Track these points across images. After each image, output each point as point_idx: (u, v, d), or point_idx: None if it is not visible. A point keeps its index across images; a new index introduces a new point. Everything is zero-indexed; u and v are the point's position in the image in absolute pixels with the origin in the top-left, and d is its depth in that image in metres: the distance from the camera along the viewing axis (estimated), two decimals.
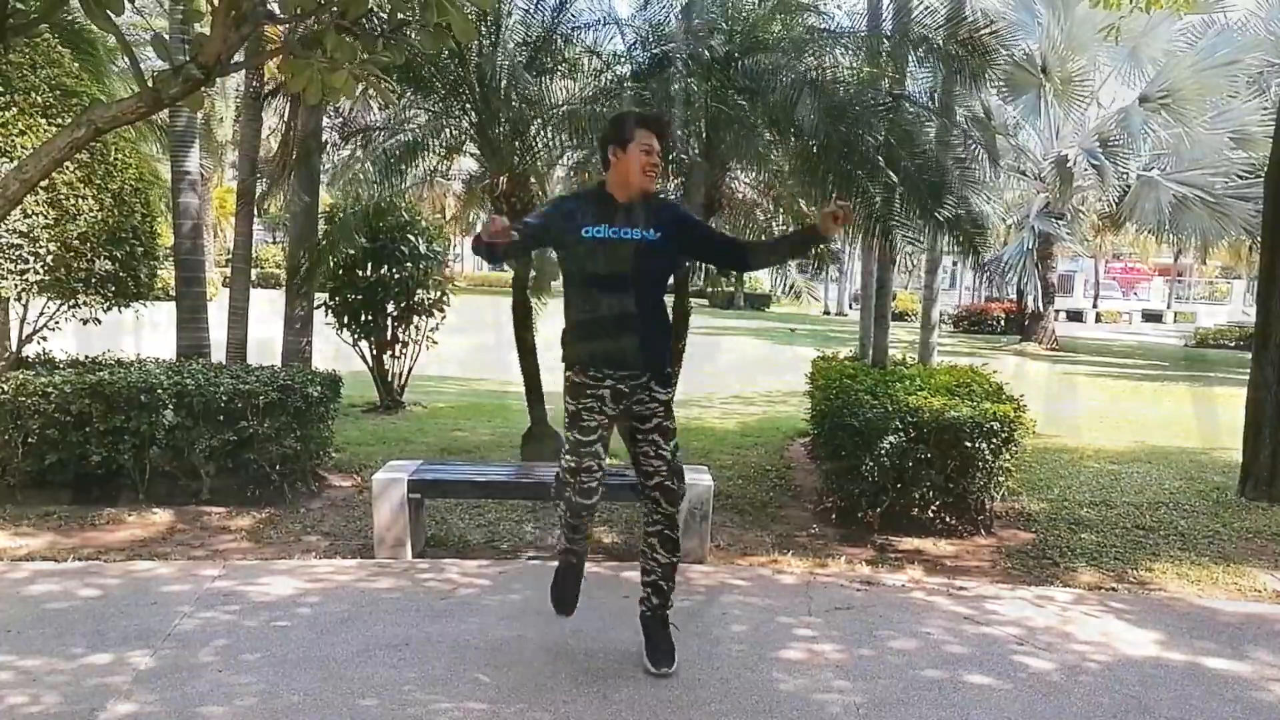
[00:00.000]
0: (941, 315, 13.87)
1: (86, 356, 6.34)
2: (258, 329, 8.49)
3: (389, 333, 9.15)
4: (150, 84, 2.98)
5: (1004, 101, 18.61)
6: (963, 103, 8.86)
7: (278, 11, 3.10)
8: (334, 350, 9.19)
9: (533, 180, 7.01)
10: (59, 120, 5.92)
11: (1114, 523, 5.73)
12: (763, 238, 8.14)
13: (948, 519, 5.32)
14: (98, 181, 6.16)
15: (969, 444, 5.07)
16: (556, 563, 3.65)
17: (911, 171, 6.41)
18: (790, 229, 8.36)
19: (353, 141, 8.55)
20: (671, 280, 6.37)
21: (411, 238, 8.98)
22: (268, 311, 10.45)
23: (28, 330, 6.62)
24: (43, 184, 5.29)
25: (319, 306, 8.90)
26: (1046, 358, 19.52)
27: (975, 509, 5.36)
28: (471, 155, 7.77)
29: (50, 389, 5.17)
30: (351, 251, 8.42)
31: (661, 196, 3.60)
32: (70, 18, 6.86)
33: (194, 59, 2.94)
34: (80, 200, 6.02)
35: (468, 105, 6.75)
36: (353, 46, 2.98)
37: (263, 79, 8.38)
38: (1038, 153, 20.24)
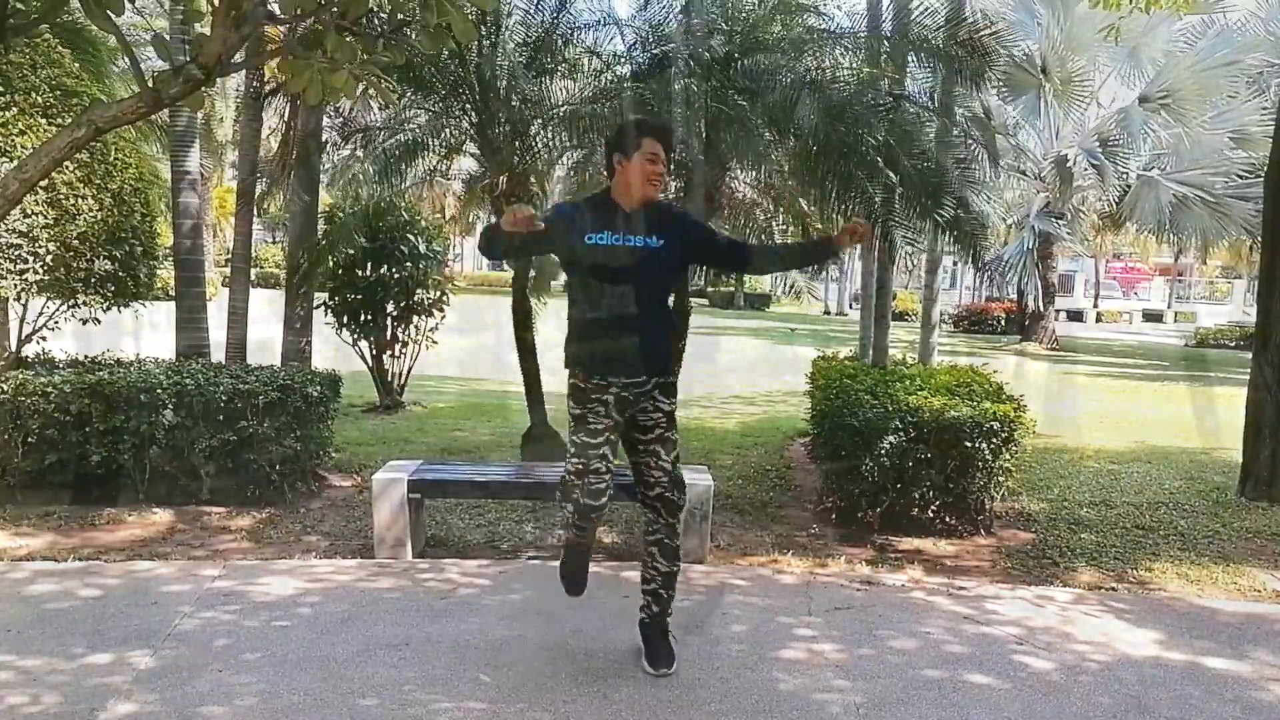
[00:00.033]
0: (942, 315, 13.87)
1: (86, 356, 6.34)
2: (257, 329, 8.50)
3: (389, 333, 9.15)
4: (150, 84, 2.97)
5: (1004, 101, 18.60)
6: (963, 103, 8.87)
7: (278, 11, 3.10)
8: (334, 350, 9.20)
9: (533, 180, 7.02)
10: (59, 120, 5.93)
11: (1114, 523, 5.74)
12: (763, 237, 8.15)
13: (948, 519, 5.33)
14: (97, 181, 6.17)
15: (969, 444, 5.07)
16: (564, 548, 3.61)
17: (911, 171, 6.41)
18: (789, 229, 8.35)
19: (353, 141, 8.57)
20: None
21: (411, 237, 8.97)
22: (267, 311, 10.47)
23: (27, 330, 6.62)
24: (42, 184, 5.30)
25: (319, 306, 8.91)
26: (1047, 357, 19.52)
27: (975, 509, 5.36)
28: (471, 155, 7.78)
29: (50, 389, 5.17)
30: (351, 251, 8.42)
31: (666, 203, 3.59)
32: (70, 18, 6.86)
33: (194, 59, 2.94)
34: (80, 200, 6.02)
35: (468, 105, 6.75)
36: (353, 46, 2.98)
37: (263, 79, 8.37)
38: (1038, 153, 20.24)
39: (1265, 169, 6.76)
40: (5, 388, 5.19)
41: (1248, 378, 6.60)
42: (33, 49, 6.18)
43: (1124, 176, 19.38)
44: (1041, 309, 21.58)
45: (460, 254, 41.11)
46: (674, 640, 3.50)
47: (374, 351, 9.19)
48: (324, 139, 8.72)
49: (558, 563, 3.64)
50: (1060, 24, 18.19)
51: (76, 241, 5.99)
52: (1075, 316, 33.75)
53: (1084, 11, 16.17)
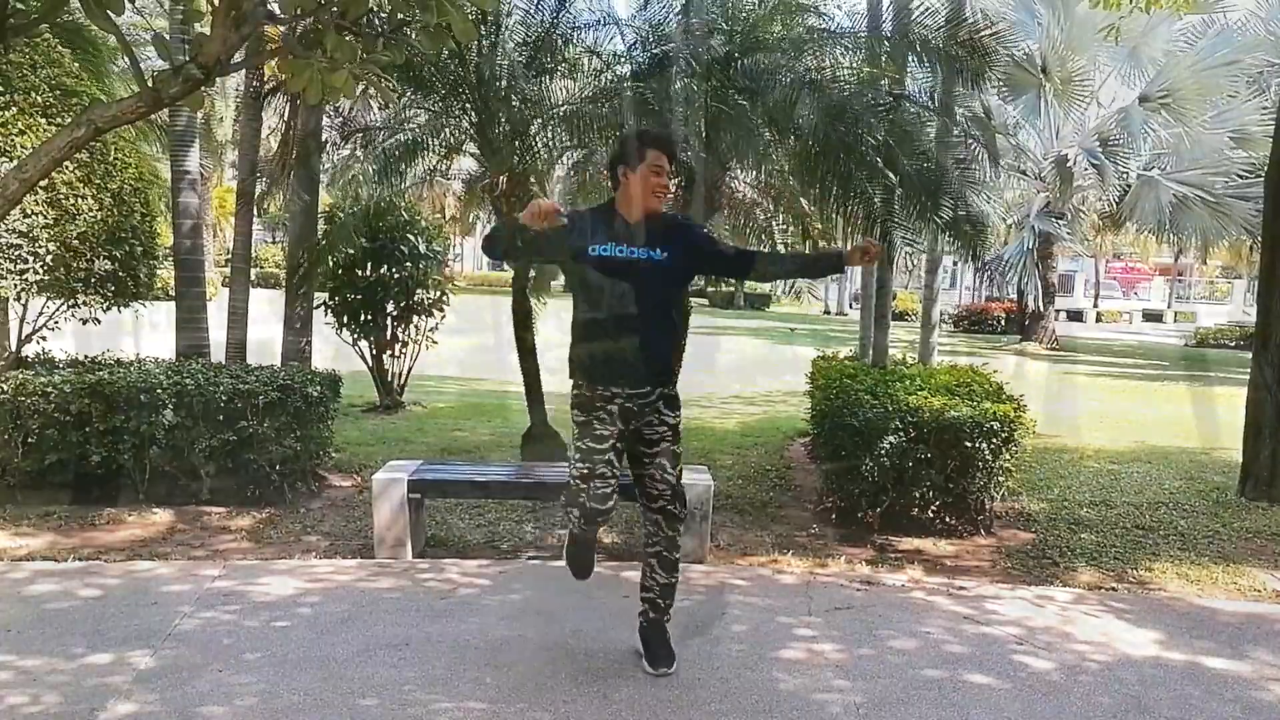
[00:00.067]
0: (941, 315, 13.87)
1: (86, 356, 6.34)
2: (257, 329, 8.49)
3: (389, 332, 9.15)
4: (150, 84, 2.98)
5: (1004, 101, 18.60)
6: (963, 103, 8.87)
7: (278, 11, 3.10)
8: (334, 350, 9.19)
9: (533, 180, 7.01)
10: (59, 120, 5.92)
11: (1114, 523, 5.73)
12: (763, 237, 8.16)
13: (948, 519, 5.33)
14: (97, 181, 6.17)
15: (969, 444, 5.07)
16: (567, 544, 3.58)
17: (911, 171, 6.41)
18: (789, 228, 8.35)
19: (353, 141, 8.57)
20: None
21: (411, 237, 8.97)
22: (267, 311, 10.46)
23: (27, 330, 6.62)
24: (42, 184, 5.29)
25: (319, 306, 8.91)
26: (1047, 357, 19.52)
27: (975, 509, 5.36)
28: (471, 155, 7.78)
29: (50, 389, 5.17)
30: (351, 251, 8.42)
31: (671, 215, 3.57)
32: (70, 18, 6.86)
33: (194, 59, 2.94)
34: (80, 200, 6.02)
35: (467, 105, 6.75)
36: (353, 46, 2.98)
37: (263, 79, 8.38)
38: (1038, 153, 20.24)
39: (1265, 169, 6.76)
40: (5, 388, 5.19)
41: (1248, 378, 6.60)
42: (33, 49, 6.18)
43: (1124, 176, 19.38)
44: (1041, 309, 21.58)
45: (460, 254, 41.12)
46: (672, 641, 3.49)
47: (374, 351, 9.19)
48: (324, 139, 8.73)
49: (559, 562, 3.64)
50: (1060, 24, 18.20)
51: (76, 241, 5.99)
52: (1075, 316, 33.76)
53: (1084, 11, 16.17)
